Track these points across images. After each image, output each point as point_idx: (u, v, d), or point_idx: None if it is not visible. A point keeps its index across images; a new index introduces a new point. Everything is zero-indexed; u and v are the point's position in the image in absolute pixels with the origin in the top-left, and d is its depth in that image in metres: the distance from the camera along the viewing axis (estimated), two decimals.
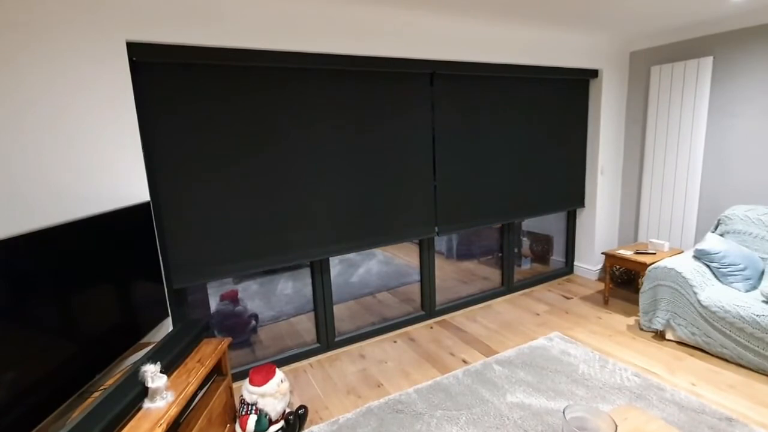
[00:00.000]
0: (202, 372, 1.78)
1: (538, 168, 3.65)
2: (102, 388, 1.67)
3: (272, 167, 2.46)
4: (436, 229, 3.21)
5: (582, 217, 4.12)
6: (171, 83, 2.14)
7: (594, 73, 3.71)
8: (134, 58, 1.99)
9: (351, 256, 3.30)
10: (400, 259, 3.57)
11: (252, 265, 2.49)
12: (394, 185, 2.94)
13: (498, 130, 3.34)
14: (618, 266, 3.79)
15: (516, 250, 3.92)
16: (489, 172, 3.37)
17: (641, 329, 3.02)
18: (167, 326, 2.22)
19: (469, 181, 3.29)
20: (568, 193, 3.92)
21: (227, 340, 2.07)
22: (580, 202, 4.05)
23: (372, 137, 2.79)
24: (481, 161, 3.31)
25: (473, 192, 3.33)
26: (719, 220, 3.14)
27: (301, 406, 2.24)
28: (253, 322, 3.28)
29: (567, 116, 3.73)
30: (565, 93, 3.67)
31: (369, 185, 2.84)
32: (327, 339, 2.93)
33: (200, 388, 1.96)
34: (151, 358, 1.69)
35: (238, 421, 2.04)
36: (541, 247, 4.52)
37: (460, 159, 3.21)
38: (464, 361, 2.74)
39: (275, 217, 2.53)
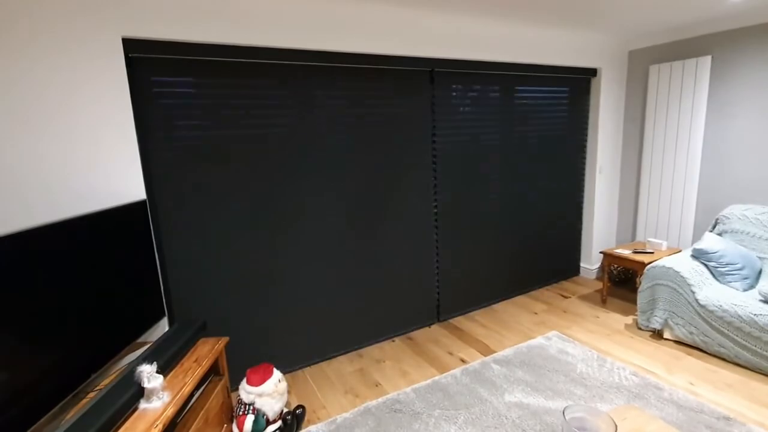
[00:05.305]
0: (199, 372, 1.77)
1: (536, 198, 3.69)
2: (97, 388, 1.66)
3: (268, 177, 2.45)
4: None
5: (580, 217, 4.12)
6: (168, 80, 2.11)
7: (593, 72, 3.70)
8: (130, 54, 1.96)
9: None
10: None
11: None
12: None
13: (497, 137, 3.33)
14: (616, 265, 3.80)
15: None
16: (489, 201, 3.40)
17: (639, 328, 3.02)
18: (163, 326, 2.20)
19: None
20: (564, 259, 4.04)
21: (224, 340, 2.06)
22: (576, 270, 4.17)
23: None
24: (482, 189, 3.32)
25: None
26: (717, 219, 3.14)
27: (298, 406, 2.23)
28: None
29: (565, 116, 3.72)
30: (565, 92, 3.65)
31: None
32: None
33: (197, 388, 1.94)
34: (147, 358, 1.67)
35: (235, 421, 2.02)
36: None
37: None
38: (462, 361, 2.74)
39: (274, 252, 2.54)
